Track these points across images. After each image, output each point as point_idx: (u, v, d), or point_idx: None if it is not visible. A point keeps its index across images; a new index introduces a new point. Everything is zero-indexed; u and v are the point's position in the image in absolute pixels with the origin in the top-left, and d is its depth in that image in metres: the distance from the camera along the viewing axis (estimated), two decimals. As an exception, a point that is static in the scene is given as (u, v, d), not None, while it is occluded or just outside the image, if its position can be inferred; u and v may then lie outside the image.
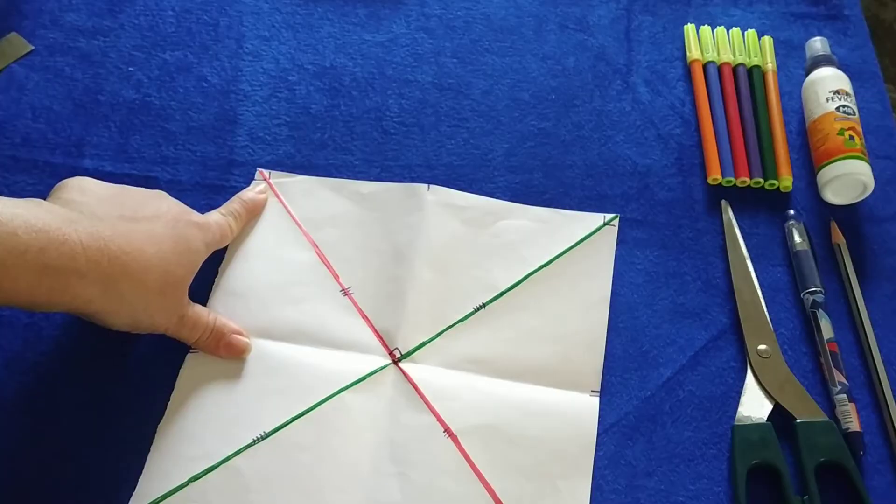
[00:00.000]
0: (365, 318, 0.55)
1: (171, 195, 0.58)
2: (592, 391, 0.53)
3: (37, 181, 0.58)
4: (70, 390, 0.52)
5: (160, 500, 0.48)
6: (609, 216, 0.59)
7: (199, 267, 0.52)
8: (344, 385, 0.52)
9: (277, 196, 0.60)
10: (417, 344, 0.54)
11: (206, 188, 0.59)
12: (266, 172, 0.61)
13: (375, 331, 0.54)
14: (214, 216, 0.55)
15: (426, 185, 0.60)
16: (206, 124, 0.62)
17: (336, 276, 0.56)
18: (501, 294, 0.56)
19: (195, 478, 0.48)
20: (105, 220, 0.47)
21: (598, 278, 0.57)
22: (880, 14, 1.54)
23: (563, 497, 0.49)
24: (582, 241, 0.58)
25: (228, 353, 0.52)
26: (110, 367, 0.52)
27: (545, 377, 0.53)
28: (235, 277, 0.56)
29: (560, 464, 0.50)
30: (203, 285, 0.55)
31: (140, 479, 0.48)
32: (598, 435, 0.51)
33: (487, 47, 0.68)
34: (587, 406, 0.52)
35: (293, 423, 0.51)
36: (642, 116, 0.65)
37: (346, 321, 0.55)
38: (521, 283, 0.56)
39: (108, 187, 0.51)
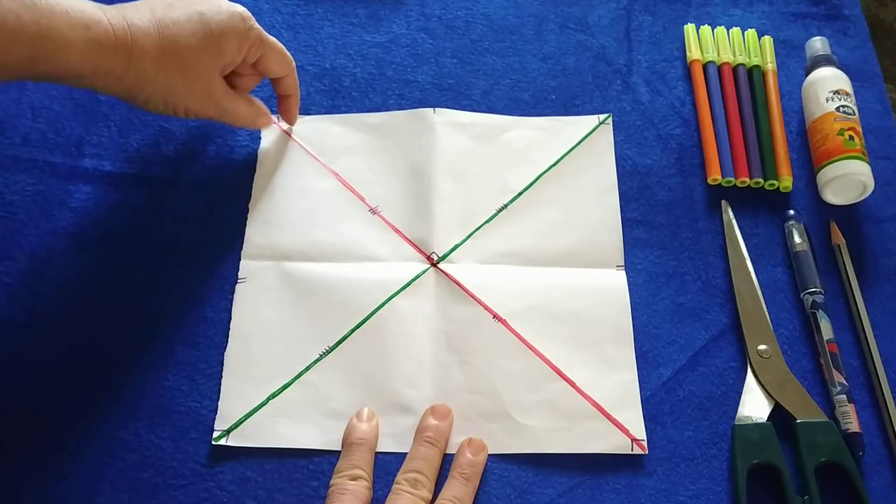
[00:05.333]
0: (397, 231, 0.58)
1: (171, 195, 0.59)
2: (618, 266, 0.58)
3: (37, 181, 0.58)
4: (68, 390, 0.52)
5: (246, 418, 0.51)
6: (602, 116, 0.64)
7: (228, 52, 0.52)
8: (392, 293, 0.55)
9: (289, 136, 0.62)
10: (451, 247, 0.57)
11: (205, 187, 0.59)
12: (275, 117, 0.63)
13: (409, 241, 0.58)
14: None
15: (432, 109, 0.63)
16: (206, 124, 0.62)
17: (362, 198, 0.60)
18: (519, 194, 0.60)
19: (273, 395, 0.52)
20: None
21: (602, 169, 0.62)
22: (880, 14, 1.54)
23: (611, 357, 0.54)
24: (582, 140, 0.63)
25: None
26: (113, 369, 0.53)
27: (573, 259, 0.58)
28: (266, 210, 0.59)
29: (603, 330, 0.55)
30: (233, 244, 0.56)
31: (220, 403, 0.51)
32: (598, 435, 0.51)
33: (487, 47, 0.67)
34: (616, 279, 0.57)
35: (353, 334, 0.54)
36: (642, 117, 0.65)
37: (380, 236, 0.58)
38: (536, 183, 0.61)
39: None
